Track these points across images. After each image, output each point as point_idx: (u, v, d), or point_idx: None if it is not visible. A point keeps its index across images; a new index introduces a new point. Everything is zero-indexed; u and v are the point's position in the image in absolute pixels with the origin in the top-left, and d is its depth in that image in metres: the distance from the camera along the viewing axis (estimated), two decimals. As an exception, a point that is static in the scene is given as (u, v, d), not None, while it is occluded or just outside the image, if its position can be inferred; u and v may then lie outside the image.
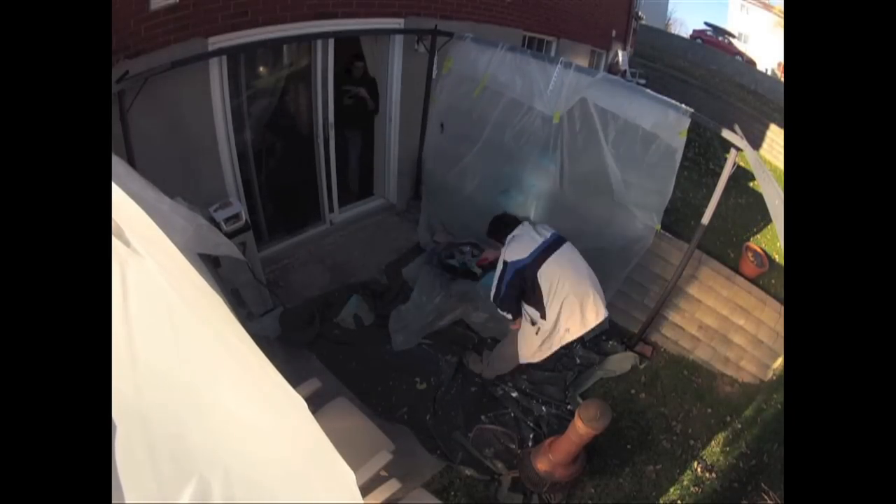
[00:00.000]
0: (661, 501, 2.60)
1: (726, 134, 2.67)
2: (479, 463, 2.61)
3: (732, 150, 2.64)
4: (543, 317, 2.52)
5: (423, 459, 2.59)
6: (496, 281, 2.55)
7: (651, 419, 3.04)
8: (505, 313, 2.62)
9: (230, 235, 2.60)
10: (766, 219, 4.61)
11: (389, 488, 1.87)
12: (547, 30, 5.45)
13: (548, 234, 2.56)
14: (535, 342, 2.63)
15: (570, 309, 2.49)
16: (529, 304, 2.54)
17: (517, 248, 2.50)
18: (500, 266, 2.53)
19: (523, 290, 2.50)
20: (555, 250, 2.51)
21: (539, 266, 2.46)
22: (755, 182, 5.28)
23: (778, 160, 8.38)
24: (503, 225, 2.67)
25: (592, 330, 2.61)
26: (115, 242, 0.71)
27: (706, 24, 19.11)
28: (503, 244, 2.58)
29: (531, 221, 2.68)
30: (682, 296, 3.65)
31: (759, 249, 4.22)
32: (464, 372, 3.08)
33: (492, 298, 2.60)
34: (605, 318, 2.57)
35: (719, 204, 2.84)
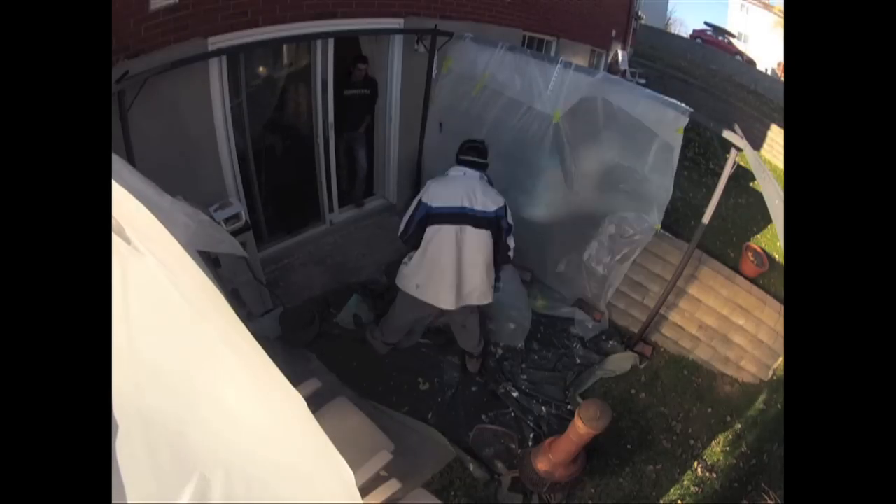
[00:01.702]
0: (661, 501, 2.60)
1: (726, 134, 2.67)
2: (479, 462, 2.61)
3: (732, 150, 2.64)
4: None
5: (423, 459, 2.58)
6: (407, 216, 2.52)
7: (651, 419, 3.04)
8: (408, 248, 2.64)
9: (230, 235, 2.59)
10: (766, 219, 4.61)
11: (389, 488, 1.87)
12: (547, 29, 5.44)
13: (476, 205, 2.46)
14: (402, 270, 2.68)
15: (429, 274, 2.53)
16: None
17: (440, 193, 2.47)
18: (414, 202, 2.52)
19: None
20: (464, 224, 2.46)
21: (437, 223, 2.46)
22: (755, 182, 5.28)
23: (778, 160, 8.37)
24: (465, 149, 2.63)
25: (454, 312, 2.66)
26: (115, 240, 0.71)
27: (706, 23, 19.13)
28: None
29: (486, 176, 2.61)
30: (682, 296, 3.65)
31: (759, 249, 4.22)
32: (464, 372, 3.08)
33: (399, 233, 2.58)
34: (455, 308, 2.60)
35: (719, 204, 2.84)
